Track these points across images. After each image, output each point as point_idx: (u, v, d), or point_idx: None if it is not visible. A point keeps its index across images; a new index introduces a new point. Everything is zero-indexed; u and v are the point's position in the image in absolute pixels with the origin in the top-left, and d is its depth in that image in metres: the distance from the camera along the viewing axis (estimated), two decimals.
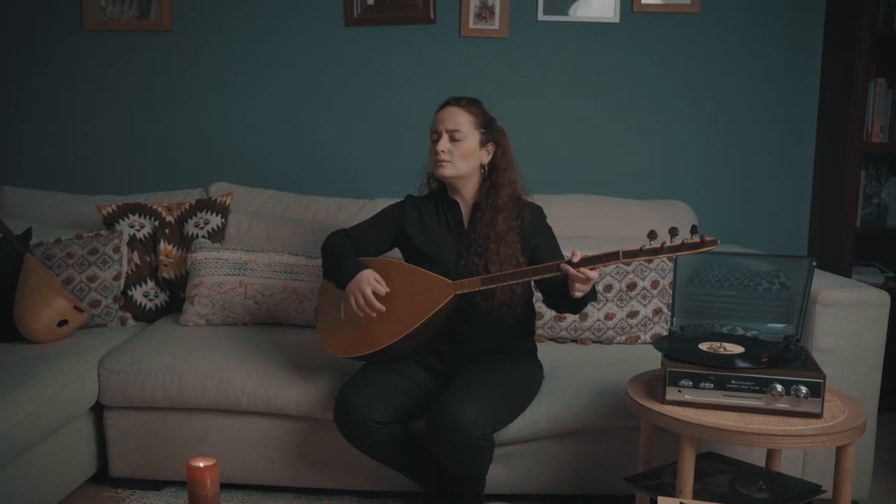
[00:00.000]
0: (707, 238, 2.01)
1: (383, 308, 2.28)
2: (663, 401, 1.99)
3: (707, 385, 1.95)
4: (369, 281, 2.29)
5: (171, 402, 2.58)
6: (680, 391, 1.97)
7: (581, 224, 3.17)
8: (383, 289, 2.29)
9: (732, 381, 1.94)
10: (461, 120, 2.38)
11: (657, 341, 2.17)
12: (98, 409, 2.66)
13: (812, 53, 3.44)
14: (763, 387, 1.92)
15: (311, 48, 3.57)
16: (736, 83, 3.48)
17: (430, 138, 2.41)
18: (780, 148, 3.51)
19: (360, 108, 3.59)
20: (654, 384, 2.16)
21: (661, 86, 3.50)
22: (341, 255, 2.41)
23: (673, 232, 2.03)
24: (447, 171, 2.37)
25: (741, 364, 1.97)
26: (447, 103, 2.43)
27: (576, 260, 2.13)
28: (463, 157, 2.37)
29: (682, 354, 2.03)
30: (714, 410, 1.95)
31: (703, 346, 2.10)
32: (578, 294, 2.17)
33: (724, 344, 2.10)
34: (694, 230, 2.02)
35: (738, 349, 2.07)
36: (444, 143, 2.36)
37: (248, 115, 3.64)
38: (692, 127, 3.52)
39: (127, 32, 3.62)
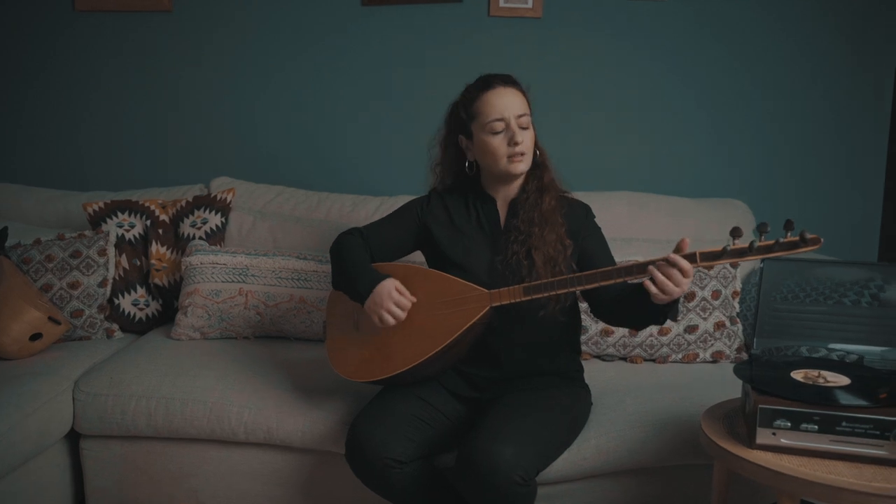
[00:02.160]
0: (808, 236, 1.61)
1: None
2: (752, 445, 1.60)
3: (810, 427, 1.56)
4: (391, 294, 1.94)
5: (155, 430, 2.24)
6: (774, 434, 1.58)
7: (626, 225, 2.82)
8: (408, 300, 1.95)
9: (844, 423, 1.54)
10: (523, 103, 2.03)
11: (738, 367, 1.78)
12: (74, 438, 2.33)
13: (890, 38, 3.04)
14: (885, 431, 1.52)
15: (324, 30, 3.24)
16: (801, 68, 3.09)
17: (488, 129, 2.00)
18: (848, 143, 3.13)
19: (379, 96, 3.25)
20: (734, 420, 1.77)
21: (715, 70, 3.12)
22: (354, 260, 2.05)
23: (762, 228, 1.64)
24: (524, 165, 2.02)
25: (852, 401, 1.58)
26: (496, 84, 2.04)
27: (685, 251, 1.75)
28: (532, 146, 2.04)
29: (772, 386, 1.64)
30: (820, 459, 1.56)
31: (797, 376, 1.71)
32: (665, 298, 1.76)
33: (823, 372, 1.71)
34: (789, 226, 1.63)
35: (843, 380, 1.68)
36: (520, 134, 1.99)
37: (256, 104, 3.31)
38: (749, 117, 3.14)
39: (123, 13, 3.30)
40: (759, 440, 1.60)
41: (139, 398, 2.24)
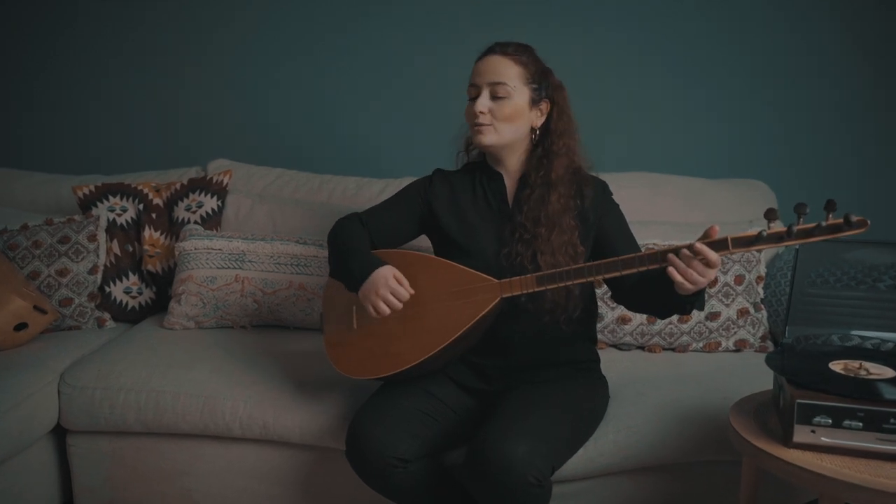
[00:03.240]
0: (854, 218, 1.46)
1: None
2: (789, 443, 1.47)
3: (854, 424, 1.42)
4: (388, 281, 1.80)
5: (145, 426, 2.12)
6: (814, 431, 1.44)
7: (642, 207, 2.66)
8: (406, 291, 1.80)
9: (892, 420, 1.40)
10: (507, 72, 1.86)
11: (770, 357, 1.64)
12: (60, 434, 2.21)
13: None
14: None
15: (331, 7, 3.10)
16: (824, 41, 2.94)
17: (468, 94, 1.90)
18: (873, 118, 2.97)
19: (384, 75, 3.12)
20: (766, 414, 1.64)
21: (732, 46, 2.97)
22: (351, 246, 1.91)
23: (800, 210, 1.49)
24: (487, 137, 1.87)
25: None
26: (490, 51, 1.91)
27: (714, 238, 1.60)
28: (507, 119, 1.87)
29: (809, 378, 1.51)
30: (864, 460, 1.42)
31: (836, 367, 1.57)
32: (690, 288, 1.62)
33: (865, 363, 1.57)
34: (830, 207, 1.48)
35: (887, 371, 1.54)
36: (483, 102, 1.85)
37: (259, 86, 3.19)
38: (766, 92, 2.99)
39: None
40: (797, 438, 1.46)
41: (128, 391, 2.12)
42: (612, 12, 3.00)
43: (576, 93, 2.92)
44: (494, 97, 1.85)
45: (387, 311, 1.79)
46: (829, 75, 2.96)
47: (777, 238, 1.51)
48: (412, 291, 1.81)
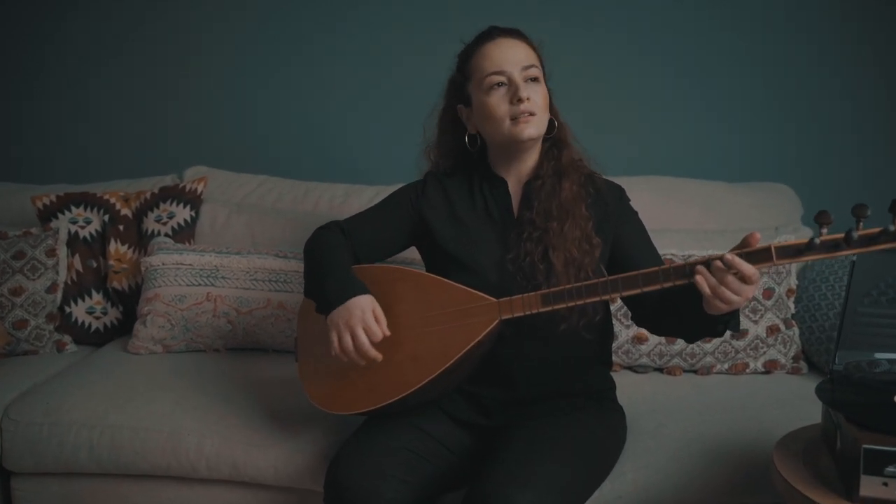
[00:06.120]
0: None
1: (379, 357, 1.55)
2: (854, 497, 1.22)
3: None
4: (365, 315, 1.56)
5: (100, 466, 1.90)
6: (886, 484, 1.19)
7: (655, 214, 2.36)
8: (381, 331, 1.56)
9: None
10: (531, 54, 1.67)
11: (821, 388, 1.39)
12: (3, 476, 1.99)
13: None
14: None
15: (318, 7, 2.93)
16: (847, 34, 2.75)
17: (486, 85, 1.64)
18: None
19: (375, 75, 2.95)
20: (815, 454, 1.39)
21: (748, 41, 2.79)
22: (329, 262, 1.67)
23: (860, 213, 1.23)
24: (534, 128, 1.63)
25: None
26: (496, 35, 1.68)
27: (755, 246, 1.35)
28: (544, 107, 1.66)
29: (874, 417, 1.26)
30: None
31: None
32: (724, 307, 1.39)
33: None
34: None
35: None
36: (526, 88, 1.61)
37: (242, 87, 3.02)
38: (794, 91, 2.80)
39: None
40: (865, 492, 1.21)
41: (80, 427, 1.89)
42: (616, 10, 2.83)
43: (581, 93, 2.73)
44: (528, 80, 1.64)
45: (351, 347, 1.55)
46: (859, 70, 2.77)
47: (832, 246, 1.25)
48: (388, 333, 1.57)
